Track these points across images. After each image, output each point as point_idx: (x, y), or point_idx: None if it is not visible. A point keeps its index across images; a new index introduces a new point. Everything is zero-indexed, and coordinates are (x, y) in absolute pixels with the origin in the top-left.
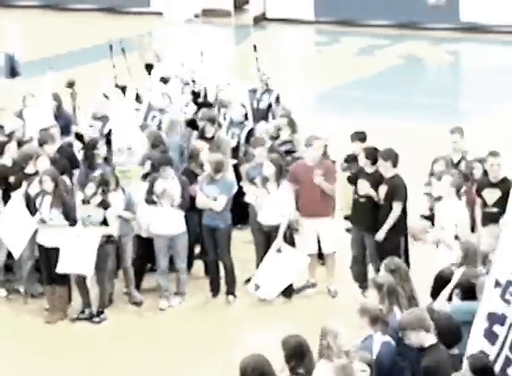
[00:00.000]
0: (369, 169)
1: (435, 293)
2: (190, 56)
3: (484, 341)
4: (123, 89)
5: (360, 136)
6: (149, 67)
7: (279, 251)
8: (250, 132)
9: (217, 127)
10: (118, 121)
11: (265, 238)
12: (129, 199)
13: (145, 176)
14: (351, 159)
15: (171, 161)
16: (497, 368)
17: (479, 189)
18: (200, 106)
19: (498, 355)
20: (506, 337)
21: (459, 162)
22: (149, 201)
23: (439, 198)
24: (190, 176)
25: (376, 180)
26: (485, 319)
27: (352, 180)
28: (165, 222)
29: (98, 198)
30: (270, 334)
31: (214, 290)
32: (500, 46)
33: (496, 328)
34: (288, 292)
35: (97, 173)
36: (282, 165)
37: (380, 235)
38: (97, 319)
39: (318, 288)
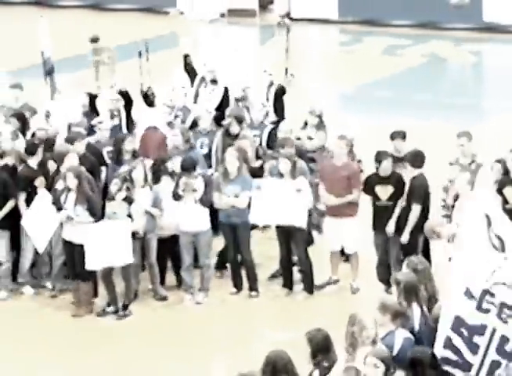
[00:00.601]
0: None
1: None
2: (213, 56)
3: (465, 350)
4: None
5: (401, 135)
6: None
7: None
8: (272, 132)
9: (242, 125)
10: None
11: (287, 235)
12: (156, 196)
13: (171, 174)
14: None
15: (196, 164)
16: (483, 373)
17: (499, 188)
18: (220, 105)
19: (482, 362)
20: (488, 343)
21: (469, 165)
22: (175, 196)
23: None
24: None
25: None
26: (454, 325)
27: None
28: (189, 219)
29: (122, 194)
30: (292, 330)
31: (237, 286)
32: None
33: (476, 339)
34: (310, 288)
35: (123, 169)
36: (296, 161)
37: (405, 237)
38: (122, 313)
39: (340, 285)
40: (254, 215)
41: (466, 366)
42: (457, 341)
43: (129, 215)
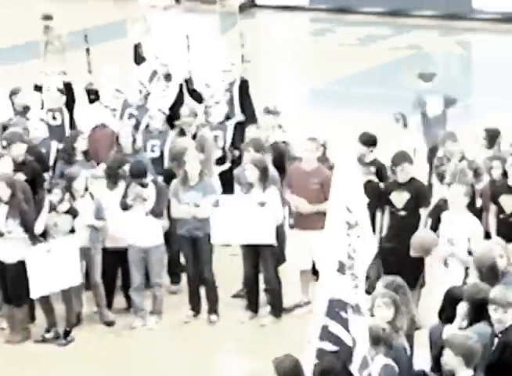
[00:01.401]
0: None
1: (443, 313)
2: (168, 47)
3: (342, 332)
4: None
5: (363, 138)
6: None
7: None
8: (236, 133)
9: (199, 124)
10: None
11: (253, 252)
12: (98, 206)
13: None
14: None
15: (146, 171)
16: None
17: (495, 194)
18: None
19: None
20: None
21: (460, 161)
22: (124, 206)
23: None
24: (171, 179)
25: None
26: (328, 310)
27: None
28: (139, 232)
29: (65, 205)
30: (257, 358)
31: (195, 308)
32: None
33: (343, 314)
34: (278, 311)
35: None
36: (266, 168)
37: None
38: (63, 340)
39: (311, 308)
40: (215, 234)
41: (346, 355)
42: (333, 327)
43: (72, 230)
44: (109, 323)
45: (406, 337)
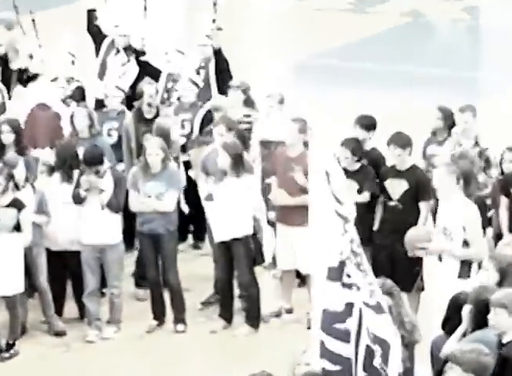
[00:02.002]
0: (355, 166)
1: (447, 323)
2: (128, 14)
3: (339, 346)
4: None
5: (363, 122)
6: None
7: None
8: (207, 115)
9: (159, 106)
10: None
11: (226, 250)
12: (41, 199)
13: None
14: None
15: (102, 157)
16: (360, 364)
17: (507, 186)
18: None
19: (356, 350)
20: (360, 323)
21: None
22: (77, 199)
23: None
24: None
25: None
26: (323, 323)
27: None
28: (94, 228)
29: (8, 197)
30: (231, 374)
31: (158, 317)
32: None
33: (347, 324)
34: (255, 320)
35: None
36: (240, 154)
37: None
38: (6, 354)
39: (294, 316)
40: (217, 232)
41: (349, 372)
42: (329, 343)
43: (17, 226)
44: (59, 334)
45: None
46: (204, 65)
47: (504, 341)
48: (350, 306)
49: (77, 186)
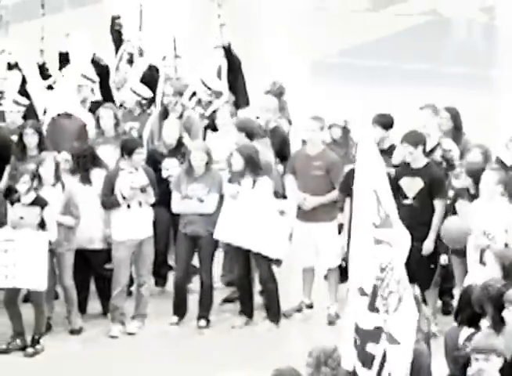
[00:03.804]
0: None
1: (459, 314)
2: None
3: (358, 365)
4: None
5: (382, 121)
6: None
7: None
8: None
9: (184, 104)
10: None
11: (245, 249)
12: (69, 199)
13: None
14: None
15: (142, 144)
16: None
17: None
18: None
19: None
20: (384, 353)
21: (432, 150)
22: (110, 205)
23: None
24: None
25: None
26: (355, 335)
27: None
28: (132, 224)
29: (31, 195)
30: (254, 370)
31: (180, 313)
32: None
33: (370, 347)
34: (275, 315)
35: (30, 166)
36: (253, 157)
37: (429, 246)
38: (31, 349)
39: (314, 311)
40: (221, 228)
41: None
42: (358, 368)
43: (41, 224)
44: (76, 331)
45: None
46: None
47: None
48: (377, 332)
49: (107, 192)
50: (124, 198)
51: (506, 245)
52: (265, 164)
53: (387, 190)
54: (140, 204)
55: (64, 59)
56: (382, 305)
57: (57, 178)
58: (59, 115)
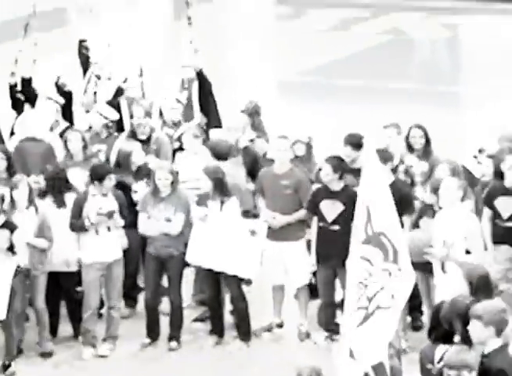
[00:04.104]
0: (337, 186)
1: (433, 332)
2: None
3: None
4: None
5: (353, 140)
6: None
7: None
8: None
9: (151, 125)
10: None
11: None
12: (43, 222)
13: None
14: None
15: (111, 171)
16: None
17: (491, 197)
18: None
19: None
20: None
21: (396, 167)
22: (78, 228)
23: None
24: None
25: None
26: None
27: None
28: (101, 246)
29: (0, 219)
30: None
31: (152, 335)
32: (508, 16)
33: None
34: (245, 335)
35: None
36: (221, 178)
37: None
38: (2, 375)
39: (285, 329)
40: (192, 252)
41: None
42: None
43: (10, 248)
44: (46, 355)
45: None
46: (187, 86)
47: (485, 352)
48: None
49: (76, 215)
50: (91, 223)
51: (467, 252)
52: (233, 185)
53: (387, 210)
54: (109, 228)
55: (27, 84)
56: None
57: (30, 201)
58: (25, 139)
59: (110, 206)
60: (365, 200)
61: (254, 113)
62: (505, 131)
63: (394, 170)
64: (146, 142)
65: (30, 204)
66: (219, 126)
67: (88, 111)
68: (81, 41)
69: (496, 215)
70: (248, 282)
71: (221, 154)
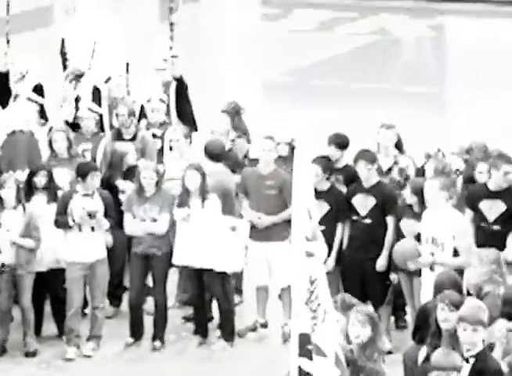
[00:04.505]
0: (324, 186)
1: (417, 333)
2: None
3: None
4: None
5: (337, 141)
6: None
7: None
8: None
9: (137, 124)
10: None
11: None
12: (30, 221)
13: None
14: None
15: (97, 168)
16: None
17: (474, 200)
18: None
19: None
20: None
21: (390, 169)
22: (62, 225)
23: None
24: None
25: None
26: (300, 347)
27: None
28: (84, 245)
29: None
30: None
31: (136, 334)
32: (493, 18)
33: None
34: (229, 335)
35: None
36: (205, 174)
37: (382, 264)
38: None
39: (269, 330)
40: (178, 253)
41: None
42: (306, 365)
43: None
44: (31, 354)
45: None
46: (164, 89)
47: (473, 353)
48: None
49: (62, 212)
50: (73, 221)
51: (456, 251)
52: (219, 186)
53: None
54: (93, 228)
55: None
56: (311, 317)
57: (19, 200)
58: (13, 133)
59: (94, 206)
60: (305, 201)
61: (234, 113)
62: (476, 141)
63: (389, 171)
64: (131, 142)
65: (18, 204)
66: (195, 131)
67: (61, 106)
68: (63, 41)
69: (481, 217)
70: (239, 291)
71: (213, 154)
